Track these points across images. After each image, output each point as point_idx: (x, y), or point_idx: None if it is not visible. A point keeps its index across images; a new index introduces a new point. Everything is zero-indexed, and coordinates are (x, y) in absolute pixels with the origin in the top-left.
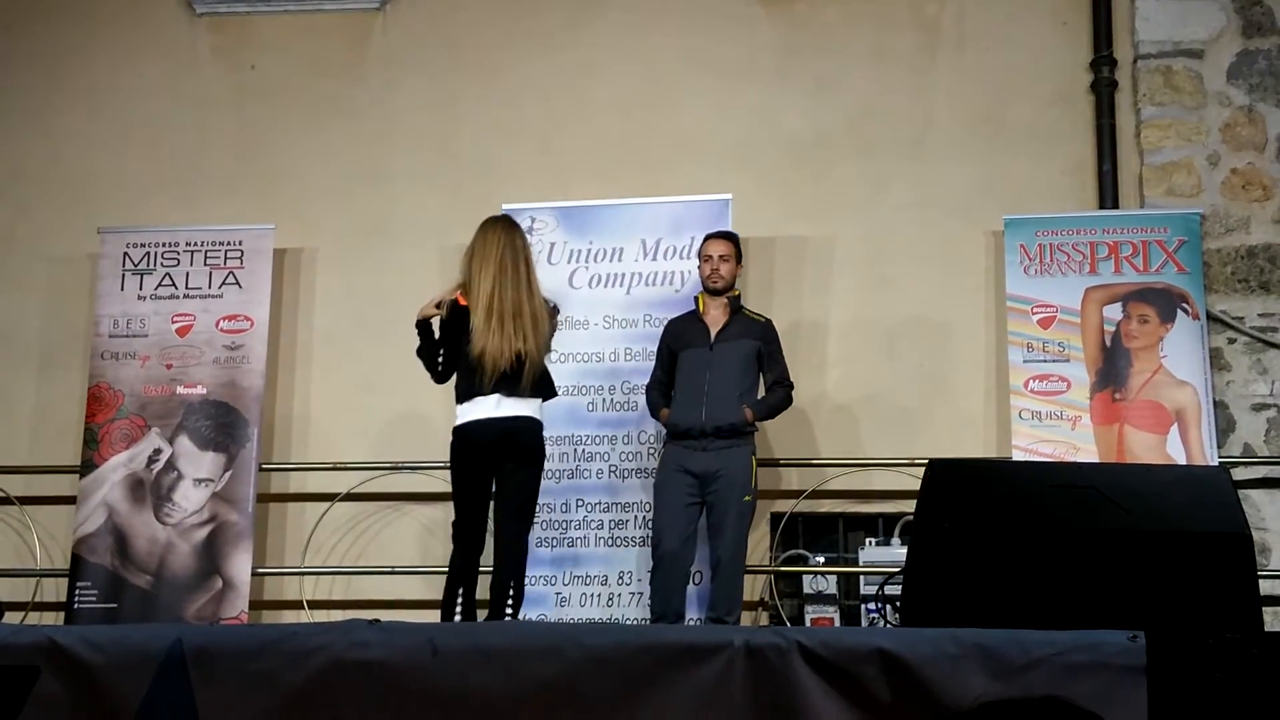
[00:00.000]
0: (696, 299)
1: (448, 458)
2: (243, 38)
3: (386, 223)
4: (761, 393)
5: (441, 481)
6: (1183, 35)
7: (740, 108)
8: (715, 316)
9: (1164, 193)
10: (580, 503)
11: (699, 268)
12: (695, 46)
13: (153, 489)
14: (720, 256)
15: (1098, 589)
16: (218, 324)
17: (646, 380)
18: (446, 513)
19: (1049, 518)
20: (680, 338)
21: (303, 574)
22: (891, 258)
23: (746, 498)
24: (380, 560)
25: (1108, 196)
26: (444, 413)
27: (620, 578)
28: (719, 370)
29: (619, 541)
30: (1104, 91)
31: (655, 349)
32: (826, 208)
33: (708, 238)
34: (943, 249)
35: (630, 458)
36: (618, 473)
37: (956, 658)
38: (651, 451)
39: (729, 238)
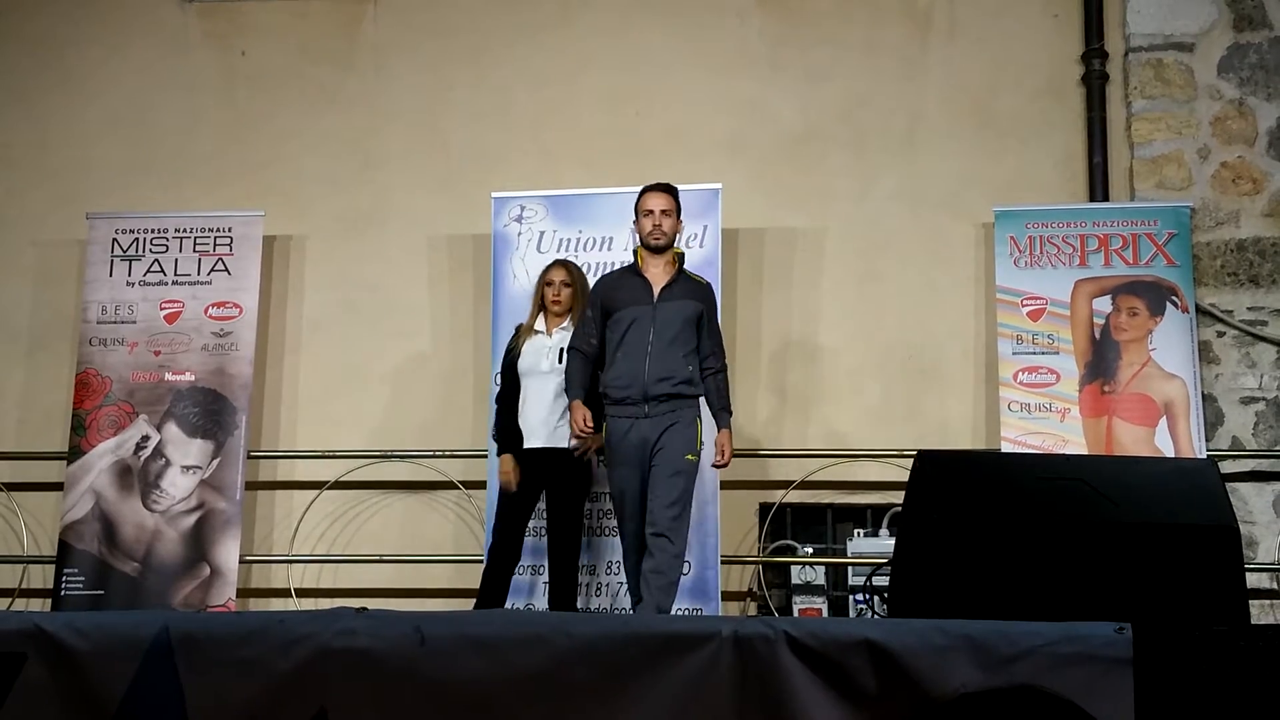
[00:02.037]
0: (635, 253)
1: (436, 446)
2: (233, 23)
3: (376, 210)
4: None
5: (429, 470)
6: (1173, 28)
7: (731, 98)
8: (657, 274)
9: (1154, 186)
10: None
11: (637, 224)
12: (687, 37)
13: (140, 476)
14: (662, 211)
15: (1085, 581)
16: (206, 311)
17: None
18: (433, 501)
19: (1037, 509)
20: (617, 295)
21: (290, 562)
22: (881, 249)
23: (689, 455)
24: (368, 548)
25: (1098, 189)
26: (432, 401)
27: (608, 567)
28: (663, 331)
29: (606, 531)
30: (1094, 84)
31: None
32: (817, 199)
33: (645, 191)
34: (933, 240)
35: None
36: (604, 461)
37: (943, 648)
38: None
39: (669, 190)
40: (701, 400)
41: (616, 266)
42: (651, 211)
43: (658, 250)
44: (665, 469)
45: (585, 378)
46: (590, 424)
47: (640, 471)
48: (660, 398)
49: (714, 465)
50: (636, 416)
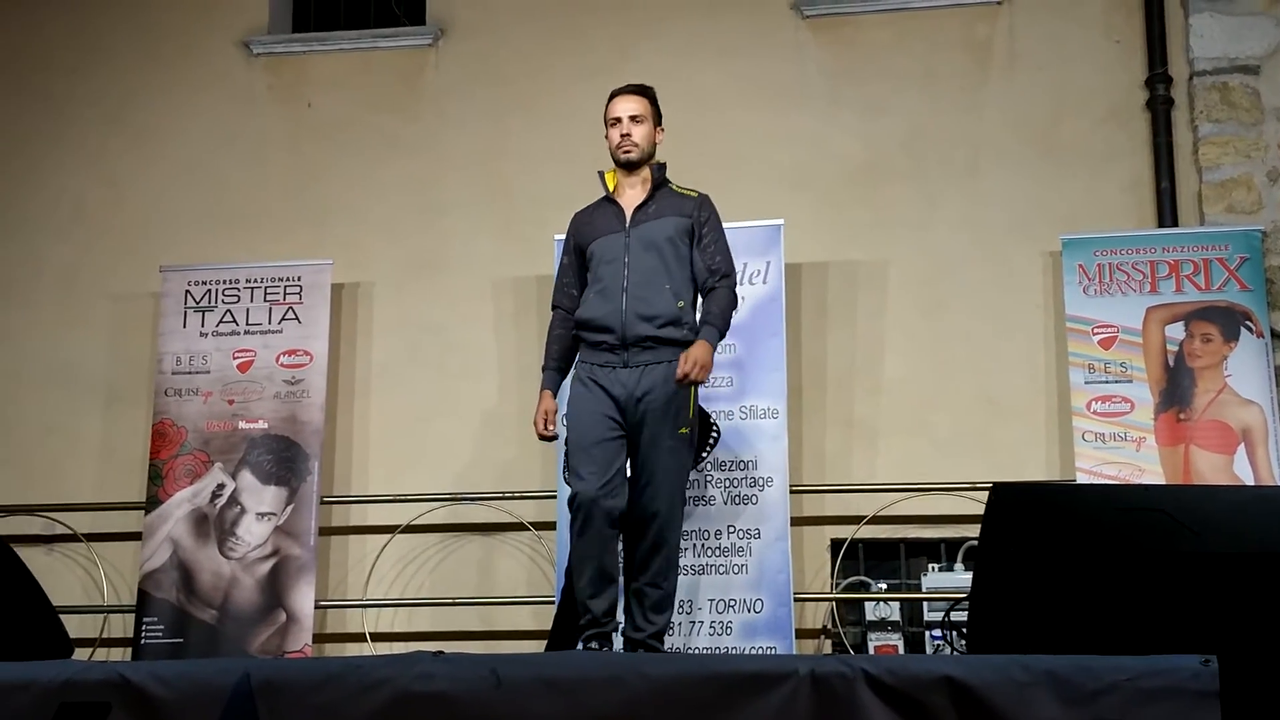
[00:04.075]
0: (603, 176)
1: (506, 488)
2: (299, 77)
3: (441, 255)
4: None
5: (501, 512)
6: (1238, 51)
7: (791, 132)
8: (632, 195)
9: (1224, 210)
10: None
11: (606, 137)
12: (744, 72)
13: (216, 524)
14: (631, 117)
15: (1168, 613)
16: (278, 359)
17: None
18: (505, 543)
19: (1116, 541)
20: (589, 227)
21: (365, 606)
22: (947, 280)
23: (682, 430)
24: (441, 592)
25: (1166, 214)
26: (501, 443)
27: (680, 606)
28: (640, 259)
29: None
30: (1160, 109)
31: (714, 380)
32: (880, 231)
33: (613, 95)
34: (999, 270)
35: (688, 485)
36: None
37: (1025, 684)
38: (709, 479)
39: (641, 92)
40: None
41: None
42: (619, 119)
43: (630, 166)
44: (656, 444)
45: (564, 350)
46: (553, 425)
47: (611, 422)
48: (643, 342)
49: (675, 380)
50: (614, 365)
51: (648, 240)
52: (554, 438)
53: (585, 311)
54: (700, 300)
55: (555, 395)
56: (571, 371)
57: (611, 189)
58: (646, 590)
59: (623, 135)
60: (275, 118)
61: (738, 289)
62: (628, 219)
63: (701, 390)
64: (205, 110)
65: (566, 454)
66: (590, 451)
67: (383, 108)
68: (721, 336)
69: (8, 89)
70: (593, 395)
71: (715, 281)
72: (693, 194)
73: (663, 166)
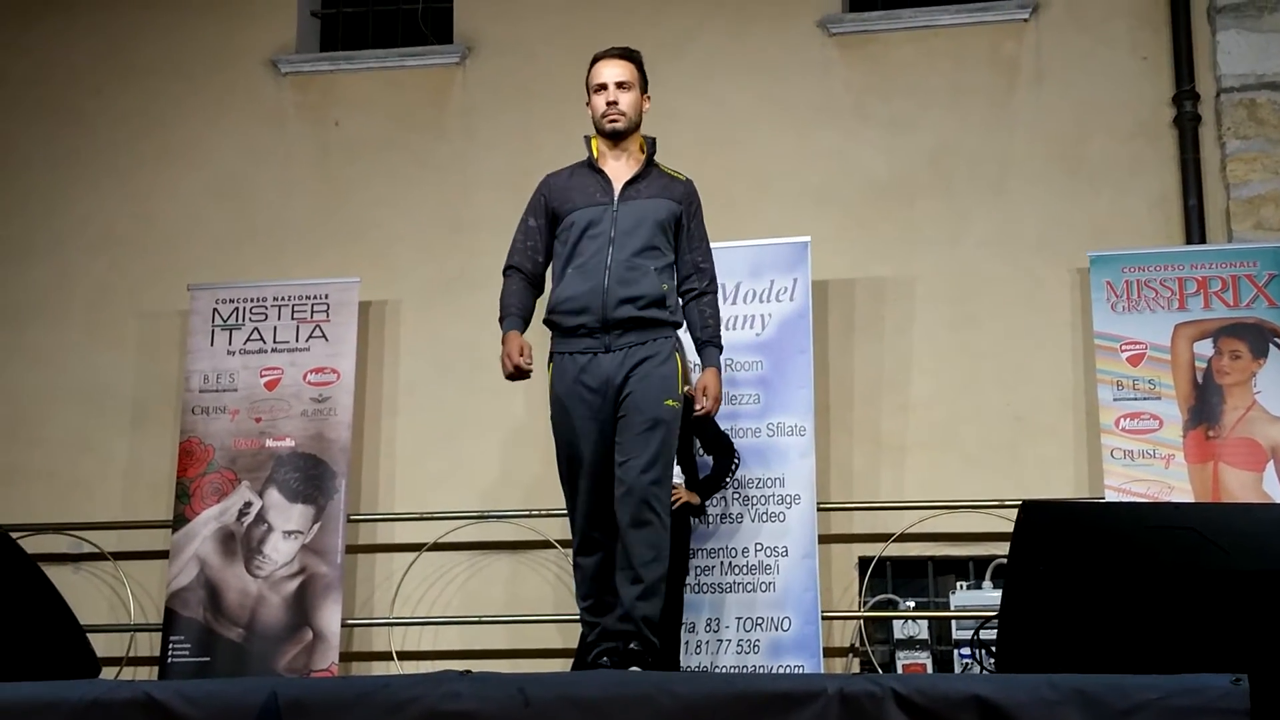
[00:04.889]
0: (589, 141)
1: (533, 506)
2: (327, 95)
3: (469, 272)
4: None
5: (527, 530)
6: (1265, 68)
7: (818, 149)
8: (620, 167)
9: (1252, 226)
10: None
11: (589, 105)
12: (771, 89)
13: (243, 542)
14: (618, 83)
15: (1198, 632)
16: (305, 377)
17: (728, 426)
18: (532, 561)
19: (1146, 559)
20: (568, 194)
21: (392, 625)
22: (974, 296)
23: (669, 401)
24: (468, 610)
25: (1194, 231)
26: (529, 461)
27: (708, 625)
28: (627, 238)
29: (704, 588)
30: (1187, 126)
31: (740, 397)
32: (907, 248)
33: (596, 59)
34: (1026, 287)
35: (713, 502)
36: (702, 518)
37: (1055, 703)
38: (736, 495)
39: (627, 56)
40: (683, 333)
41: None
42: (604, 86)
43: (616, 136)
44: (638, 419)
45: (525, 301)
46: (529, 357)
47: (600, 423)
48: (625, 324)
49: (695, 414)
50: (595, 351)
51: (638, 218)
52: (528, 373)
53: (562, 291)
54: (682, 294)
55: (522, 334)
56: (549, 365)
57: (594, 155)
58: (629, 575)
59: (609, 103)
60: (303, 136)
61: (763, 305)
62: (616, 192)
63: (729, 407)
64: (233, 129)
65: (558, 461)
66: (583, 472)
67: (410, 126)
68: (720, 353)
69: (38, 109)
70: (573, 399)
71: (704, 285)
72: (680, 176)
73: (654, 141)
